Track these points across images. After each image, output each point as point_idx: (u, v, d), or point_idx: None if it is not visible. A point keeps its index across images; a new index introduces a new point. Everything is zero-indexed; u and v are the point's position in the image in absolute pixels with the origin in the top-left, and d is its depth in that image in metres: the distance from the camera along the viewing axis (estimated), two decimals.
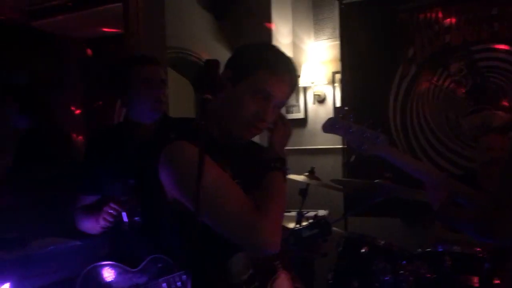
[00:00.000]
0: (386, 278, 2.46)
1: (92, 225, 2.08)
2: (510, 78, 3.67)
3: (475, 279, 2.28)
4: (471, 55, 3.79)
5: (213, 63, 1.20)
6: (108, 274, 2.02)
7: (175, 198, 1.37)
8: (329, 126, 1.72)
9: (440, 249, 2.42)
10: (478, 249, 2.33)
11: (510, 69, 3.66)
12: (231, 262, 1.40)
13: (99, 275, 2.07)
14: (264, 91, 1.40)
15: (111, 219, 1.97)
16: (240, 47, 1.50)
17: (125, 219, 1.95)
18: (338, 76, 4.50)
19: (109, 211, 1.96)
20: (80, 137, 4.01)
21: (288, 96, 1.47)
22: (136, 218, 1.94)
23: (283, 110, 1.52)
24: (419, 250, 2.51)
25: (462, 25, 3.82)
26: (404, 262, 2.45)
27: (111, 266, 2.02)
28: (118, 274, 2.00)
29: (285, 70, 1.43)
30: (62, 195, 2.53)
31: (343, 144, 4.29)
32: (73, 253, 2.37)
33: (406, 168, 1.71)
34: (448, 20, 3.87)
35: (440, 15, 3.90)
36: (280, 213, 1.38)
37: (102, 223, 1.99)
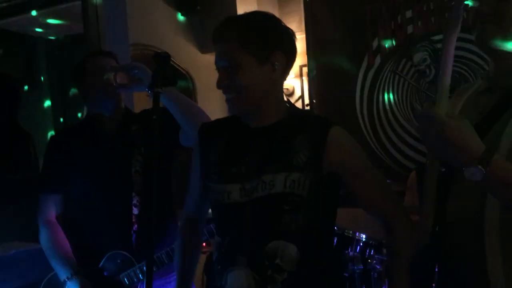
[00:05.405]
0: (355, 268, 2.48)
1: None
2: (472, 67, 3.73)
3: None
4: (433, 45, 3.84)
5: (162, 56, 1.19)
6: None
7: None
8: None
9: None
10: None
11: (471, 58, 3.71)
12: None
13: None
14: None
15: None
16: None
17: None
18: (305, 69, 4.51)
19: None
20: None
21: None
22: None
23: None
24: None
25: (424, 16, 3.87)
26: (372, 251, 2.48)
27: None
28: None
29: None
30: (25, 197, 2.48)
31: None
32: (37, 258, 2.31)
33: None
34: (410, 11, 3.91)
35: (402, 7, 3.94)
36: None
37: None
